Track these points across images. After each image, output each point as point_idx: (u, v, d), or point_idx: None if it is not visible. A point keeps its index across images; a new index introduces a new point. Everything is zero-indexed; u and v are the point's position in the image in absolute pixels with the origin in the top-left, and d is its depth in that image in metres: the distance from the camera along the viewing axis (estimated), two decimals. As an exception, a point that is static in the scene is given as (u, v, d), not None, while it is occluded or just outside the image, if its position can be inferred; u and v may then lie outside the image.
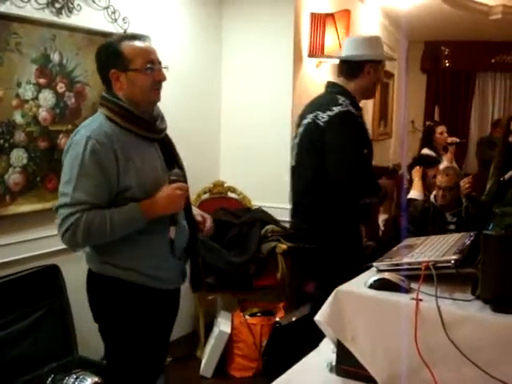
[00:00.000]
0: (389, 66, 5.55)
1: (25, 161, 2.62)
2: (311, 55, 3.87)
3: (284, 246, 3.48)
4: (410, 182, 4.27)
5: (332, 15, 3.83)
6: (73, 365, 2.59)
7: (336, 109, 2.44)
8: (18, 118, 2.57)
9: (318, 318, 1.45)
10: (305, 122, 2.56)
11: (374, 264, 1.51)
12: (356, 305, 1.40)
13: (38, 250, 2.67)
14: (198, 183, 3.70)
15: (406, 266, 1.45)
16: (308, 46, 3.85)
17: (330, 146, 2.44)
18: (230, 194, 3.96)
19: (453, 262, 1.38)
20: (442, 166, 4.07)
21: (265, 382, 2.30)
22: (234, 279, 3.40)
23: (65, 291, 2.71)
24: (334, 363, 1.46)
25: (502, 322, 1.23)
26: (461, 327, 1.25)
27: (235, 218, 3.68)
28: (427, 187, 4.03)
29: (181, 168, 1.96)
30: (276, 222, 3.71)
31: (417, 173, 4.14)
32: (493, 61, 7.19)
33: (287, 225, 3.77)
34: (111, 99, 1.83)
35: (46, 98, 2.69)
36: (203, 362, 3.30)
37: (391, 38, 6.18)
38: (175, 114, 2.85)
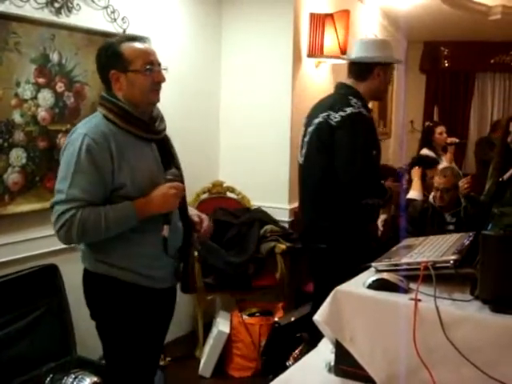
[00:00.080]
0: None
1: (24, 160, 2.62)
2: (310, 55, 3.87)
3: (283, 246, 3.49)
4: (409, 182, 4.26)
5: (331, 15, 3.84)
6: (71, 365, 2.60)
7: (349, 110, 2.45)
8: (17, 117, 2.57)
9: (317, 317, 1.45)
10: (316, 121, 2.57)
11: (373, 264, 1.51)
12: (355, 305, 1.40)
13: (36, 250, 2.68)
14: (197, 183, 3.70)
15: (404, 267, 1.44)
16: (307, 46, 3.86)
17: (339, 146, 2.46)
18: (229, 194, 3.96)
19: (452, 262, 1.38)
20: (441, 167, 4.07)
21: (263, 382, 2.31)
22: (232, 279, 3.40)
23: (63, 291, 2.71)
24: (332, 363, 1.46)
25: (501, 323, 1.23)
26: (460, 327, 1.25)
27: (234, 217, 3.68)
28: (426, 187, 4.03)
29: (178, 168, 1.97)
30: (275, 222, 3.71)
31: (416, 173, 4.14)
32: (492, 61, 7.18)
33: (286, 225, 3.78)
34: (110, 99, 1.84)
35: (45, 97, 2.69)
36: (202, 361, 3.30)
37: (390, 39, 6.17)
38: (174, 114, 2.86)
